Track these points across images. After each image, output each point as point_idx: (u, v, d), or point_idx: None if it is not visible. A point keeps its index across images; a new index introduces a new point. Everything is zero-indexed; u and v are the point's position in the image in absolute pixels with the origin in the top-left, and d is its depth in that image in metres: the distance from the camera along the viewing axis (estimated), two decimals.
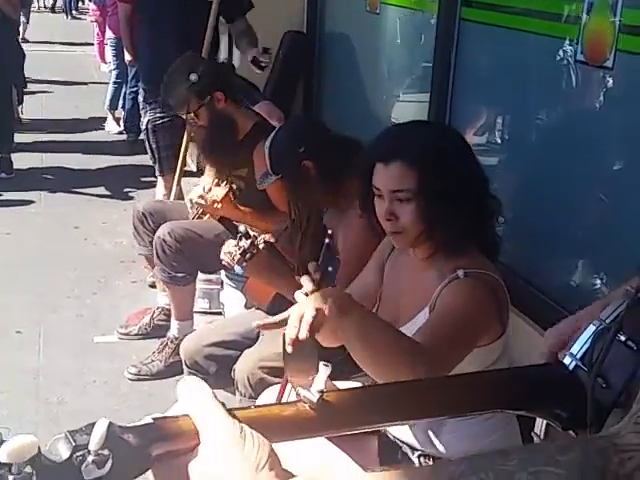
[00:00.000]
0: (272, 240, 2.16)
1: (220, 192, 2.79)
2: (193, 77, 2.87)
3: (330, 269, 1.92)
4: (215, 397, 0.65)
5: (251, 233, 2.10)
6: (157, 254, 2.98)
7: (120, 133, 6.85)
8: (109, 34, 6.77)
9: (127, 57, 5.16)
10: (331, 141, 2.30)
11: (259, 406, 0.72)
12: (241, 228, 2.11)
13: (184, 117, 3.00)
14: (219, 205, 2.78)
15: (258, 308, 2.46)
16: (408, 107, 3.57)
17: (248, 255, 2.06)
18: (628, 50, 2.06)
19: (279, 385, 1.94)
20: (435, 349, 1.41)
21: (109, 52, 6.92)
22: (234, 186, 2.94)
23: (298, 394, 0.73)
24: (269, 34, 4.22)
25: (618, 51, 2.08)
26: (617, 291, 1.01)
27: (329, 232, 1.95)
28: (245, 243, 2.08)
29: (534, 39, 2.51)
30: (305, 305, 1.31)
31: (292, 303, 1.41)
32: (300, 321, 1.28)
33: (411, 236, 1.64)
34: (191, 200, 2.91)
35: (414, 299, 1.67)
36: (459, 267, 1.58)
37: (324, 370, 0.74)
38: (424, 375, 1.32)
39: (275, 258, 2.19)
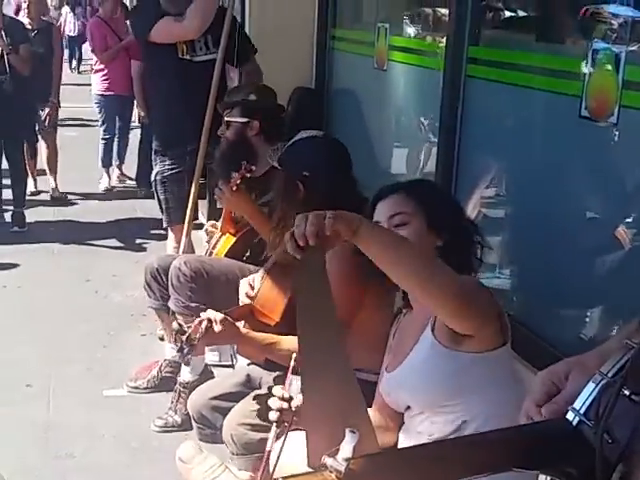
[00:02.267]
0: (216, 317, 2.12)
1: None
2: (252, 96, 3.15)
3: None
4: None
5: (185, 328, 2.08)
6: (172, 284, 3.01)
7: (107, 190, 6.85)
8: (94, 90, 6.81)
9: (141, 112, 5.28)
10: (338, 188, 2.29)
11: (286, 477, 0.71)
12: (174, 325, 2.11)
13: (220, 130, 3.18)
14: (234, 187, 2.87)
15: (256, 363, 2.49)
16: (415, 162, 3.62)
17: (186, 350, 2.06)
18: (632, 106, 2.10)
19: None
20: (460, 277, 1.56)
21: (95, 108, 6.93)
22: (252, 168, 2.99)
23: (324, 464, 0.72)
24: (278, 90, 4.29)
25: (622, 107, 2.11)
26: (610, 342, 1.03)
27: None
28: (180, 342, 2.08)
29: (539, 95, 2.56)
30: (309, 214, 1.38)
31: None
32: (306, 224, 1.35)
33: None
34: (206, 230, 2.97)
35: (417, 331, 1.75)
36: None
37: (351, 437, 0.73)
38: (457, 292, 1.48)
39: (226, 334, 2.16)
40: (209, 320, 2.08)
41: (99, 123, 6.96)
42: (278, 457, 1.56)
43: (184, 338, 2.05)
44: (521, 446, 0.85)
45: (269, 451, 1.69)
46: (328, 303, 1.29)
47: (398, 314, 1.94)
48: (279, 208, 2.33)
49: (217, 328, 2.06)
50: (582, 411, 0.85)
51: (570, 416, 0.86)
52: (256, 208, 3.00)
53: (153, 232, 5.36)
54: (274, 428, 1.70)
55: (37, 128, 6.21)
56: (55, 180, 6.50)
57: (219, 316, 2.09)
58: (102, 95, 6.68)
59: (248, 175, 2.97)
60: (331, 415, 1.08)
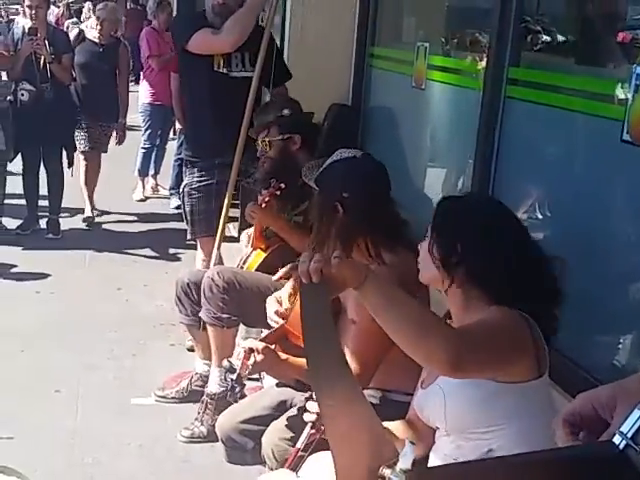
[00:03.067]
0: (258, 347, 2.15)
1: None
2: (286, 111, 3.15)
3: None
4: None
5: (235, 366, 2.12)
6: (204, 294, 3.02)
7: (141, 200, 6.89)
8: (142, 98, 6.87)
9: (178, 125, 5.33)
10: (378, 210, 2.26)
11: None
12: (224, 364, 2.15)
13: (257, 143, 3.20)
14: (264, 203, 2.96)
15: (288, 385, 2.48)
16: (451, 182, 3.61)
17: (237, 390, 2.09)
18: None
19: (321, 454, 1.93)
20: (469, 338, 1.50)
21: (139, 117, 7.01)
22: (282, 185, 3.05)
23: (382, 475, 0.72)
24: (315, 106, 4.31)
25: None
26: None
27: None
28: (231, 382, 2.10)
29: (579, 118, 2.53)
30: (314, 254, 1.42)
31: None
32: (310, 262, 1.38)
33: (425, 271, 1.77)
34: (247, 234, 3.08)
35: None
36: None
37: (410, 449, 0.72)
38: (457, 355, 1.42)
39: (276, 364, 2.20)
40: (250, 349, 2.13)
41: (142, 132, 7.04)
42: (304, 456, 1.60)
43: (234, 377, 2.09)
44: (567, 468, 0.84)
45: (298, 449, 1.71)
46: (331, 337, 1.35)
47: None
48: (317, 230, 2.28)
49: (259, 358, 2.12)
50: (629, 435, 0.84)
51: (617, 440, 0.85)
52: (286, 223, 3.03)
53: (185, 243, 5.39)
54: (308, 428, 1.73)
55: (86, 148, 6.10)
56: (91, 204, 6.27)
57: (260, 345, 2.15)
58: (150, 104, 6.75)
59: (278, 193, 3.02)
60: (349, 432, 1.09)
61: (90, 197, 6.29)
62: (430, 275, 1.76)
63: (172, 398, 3.42)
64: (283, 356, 2.18)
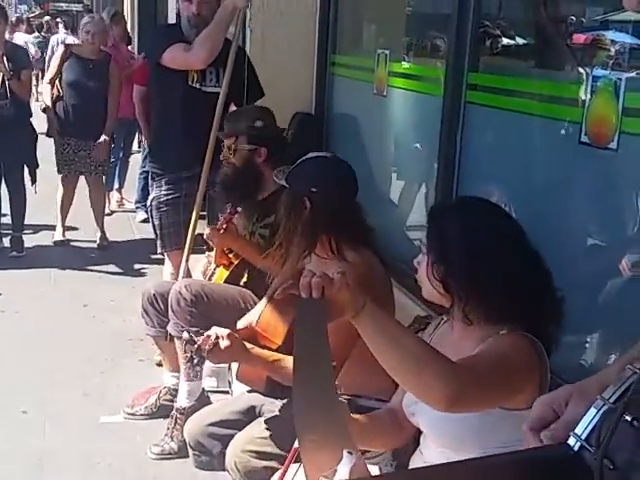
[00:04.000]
0: (223, 333, 2.13)
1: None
2: (259, 123, 3.14)
3: None
4: None
5: (195, 338, 2.09)
6: (172, 308, 2.99)
7: (107, 215, 6.57)
8: None
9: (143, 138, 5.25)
10: (344, 208, 2.29)
11: None
12: (184, 335, 2.11)
13: (222, 145, 3.17)
14: (223, 228, 2.96)
15: (257, 390, 2.46)
16: (414, 188, 3.63)
17: (196, 360, 2.05)
18: (632, 132, 2.10)
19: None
20: (470, 372, 1.43)
21: None
22: (238, 209, 3.08)
23: None
24: (278, 114, 4.31)
25: (622, 133, 2.12)
26: (610, 369, 1.02)
27: None
28: (190, 350, 2.07)
29: (538, 121, 2.56)
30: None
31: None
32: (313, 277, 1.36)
33: (425, 290, 1.69)
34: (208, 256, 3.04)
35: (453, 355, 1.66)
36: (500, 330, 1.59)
37: (347, 459, 0.72)
38: (453, 394, 1.37)
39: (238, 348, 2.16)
40: (216, 336, 2.10)
41: None
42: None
43: (194, 348, 2.05)
44: (523, 470, 0.84)
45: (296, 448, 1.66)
46: (325, 358, 1.32)
47: (427, 322, 1.89)
48: (284, 227, 2.31)
49: (224, 343, 2.07)
50: (583, 437, 0.85)
51: (571, 441, 0.86)
52: (245, 243, 3.04)
53: (151, 257, 5.34)
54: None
55: (82, 170, 5.84)
56: (102, 228, 6.05)
57: (225, 332, 2.11)
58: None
59: (235, 216, 3.02)
60: (324, 444, 1.08)
61: (100, 222, 6.08)
62: (431, 294, 1.69)
63: (141, 415, 3.38)
64: (249, 346, 2.16)
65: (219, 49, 3.49)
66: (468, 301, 1.60)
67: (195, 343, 2.07)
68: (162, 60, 3.53)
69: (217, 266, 3.21)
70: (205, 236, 3.11)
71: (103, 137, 5.71)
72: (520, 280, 1.60)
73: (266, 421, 2.29)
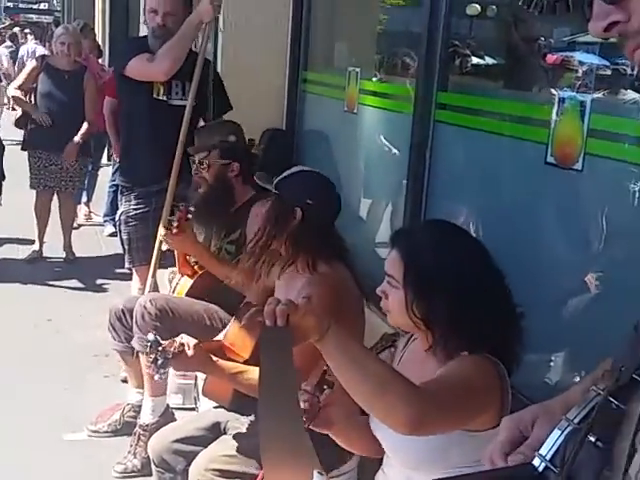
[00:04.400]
0: (190, 343, 2.12)
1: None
2: (232, 138, 3.16)
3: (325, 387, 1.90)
4: None
5: (161, 342, 2.08)
6: (137, 322, 2.96)
7: (74, 228, 6.46)
8: None
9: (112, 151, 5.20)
10: (332, 225, 2.36)
11: None
12: (149, 337, 2.10)
13: (192, 162, 3.16)
14: (174, 228, 2.93)
15: (222, 406, 2.44)
16: (384, 205, 3.64)
17: (159, 362, 2.04)
18: (597, 153, 2.13)
19: None
20: (432, 396, 1.43)
21: None
22: (191, 209, 3.04)
23: None
24: (250, 130, 4.31)
25: (587, 154, 2.15)
26: (575, 389, 1.03)
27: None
28: (155, 353, 2.06)
29: (506, 141, 2.59)
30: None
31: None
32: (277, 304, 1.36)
33: (395, 320, 1.69)
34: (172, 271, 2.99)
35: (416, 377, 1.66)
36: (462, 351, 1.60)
37: (319, 478, 0.72)
38: (416, 417, 1.37)
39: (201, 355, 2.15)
40: (182, 344, 2.10)
41: None
42: None
43: (159, 349, 2.03)
44: None
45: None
46: (291, 384, 1.32)
47: (393, 340, 1.89)
48: (264, 232, 2.31)
49: (190, 352, 2.07)
50: (548, 457, 0.85)
51: (536, 462, 0.86)
52: (202, 247, 3.03)
53: (118, 271, 5.29)
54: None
55: (52, 185, 5.76)
56: (69, 242, 5.98)
57: (192, 341, 2.11)
58: None
59: (188, 216, 3.00)
60: (289, 467, 1.07)
61: (65, 235, 5.99)
62: (402, 322, 1.68)
63: (105, 432, 3.33)
64: (214, 358, 2.15)
65: (182, 61, 3.47)
66: (446, 332, 1.61)
67: (160, 344, 2.06)
68: (126, 71, 3.51)
69: (181, 275, 3.19)
70: (160, 237, 3.09)
71: (76, 138, 5.60)
72: (488, 303, 1.62)
73: (234, 437, 2.28)
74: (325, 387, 1.45)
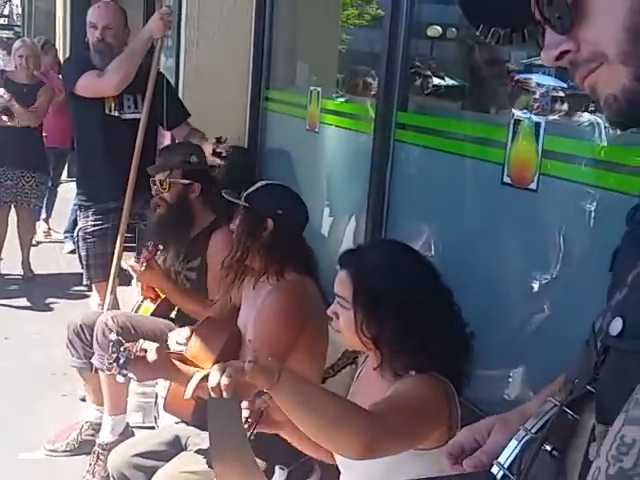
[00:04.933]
0: (151, 347, 2.12)
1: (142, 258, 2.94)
2: (194, 158, 3.15)
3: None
4: None
5: (124, 342, 2.07)
6: (97, 339, 2.94)
7: (33, 245, 6.30)
8: None
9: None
10: (300, 244, 2.39)
11: None
12: (112, 337, 2.09)
13: (152, 183, 3.12)
14: (143, 265, 2.89)
15: (184, 421, 2.44)
16: (345, 224, 3.67)
17: (122, 361, 2.03)
18: (551, 174, 2.19)
19: None
20: (382, 421, 1.45)
21: None
22: (160, 247, 3.00)
23: None
24: None
25: (541, 174, 2.20)
26: (532, 402, 1.06)
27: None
28: (117, 351, 2.05)
29: (464, 161, 2.64)
30: (226, 364, 1.40)
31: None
32: (222, 375, 1.35)
33: (347, 339, 1.72)
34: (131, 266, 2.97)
35: (367, 396, 1.67)
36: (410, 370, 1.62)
37: (279, 473, 0.74)
38: (366, 444, 1.40)
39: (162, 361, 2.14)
40: (144, 349, 2.09)
41: None
42: None
43: (122, 348, 2.01)
44: None
45: None
46: (243, 448, 1.34)
47: (354, 357, 1.91)
48: (238, 245, 2.34)
49: (151, 357, 2.05)
50: (506, 465, 0.87)
51: (495, 470, 0.88)
52: (171, 284, 2.99)
53: (77, 289, 5.24)
54: None
55: (9, 199, 5.66)
56: (27, 259, 5.90)
57: (154, 345, 2.10)
58: None
59: (157, 253, 2.99)
60: None
61: (23, 252, 5.89)
62: (352, 342, 1.71)
63: (63, 451, 3.29)
64: (176, 363, 2.14)
65: (132, 76, 3.48)
66: (394, 351, 1.63)
67: (122, 344, 2.05)
68: (76, 89, 3.51)
69: (144, 299, 3.17)
70: (128, 271, 3.05)
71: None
72: (436, 323, 1.64)
73: (195, 452, 2.27)
74: (265, 391, 1.46)
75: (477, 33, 0.85)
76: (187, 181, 3.08)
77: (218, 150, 3.59)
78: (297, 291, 2.24)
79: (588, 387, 0.75)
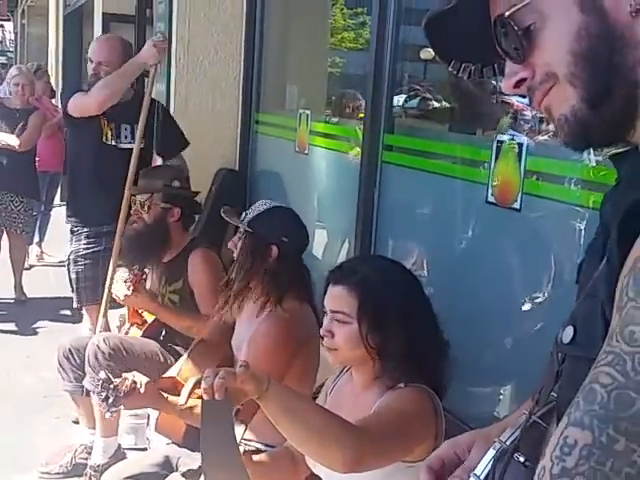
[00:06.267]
0: (142, 381, 2.12)
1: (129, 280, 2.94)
2: (176, 183, 3.14)
3: None
4: None
5: (112, 379, 2.10)
6: (89, 361, 2.94)
7: (25, 269, 6.30)
8: None
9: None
10: (302, 269, 2.39)
11: None
12: (101, 374, 2.12)
13: (133, 202, 3.16)
14: (130, 289, 2.88)
15: (175, 442, 2.46)
16: (334, 245, 3.71)
17: (111, 400, 2.05)
18: (533, 193, 2.24)
19: None
20: (369, 434, 1.48)
21: None
22: (146, 270, 3.02)
23: None
24: (203, 170, 4.36)
25: (524, 194, 2.25)
26: (512, 415, 1.09)
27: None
28: (106, 391, 2.07)
29: (450, 182, 2.69)
30: (219, 368, 1.43)
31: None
32: (215, 378, 1.39)
33: (344, 355, 1.72)
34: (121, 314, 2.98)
35: (350, 409, 1.70)
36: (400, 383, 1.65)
37: None
38: (352, 457, 1.43)
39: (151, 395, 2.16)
40: (134, 382, 2.10)
41: None
42: None
43: (111, 387, 2.03)
44: None
45: None
46: (234, 452, 1.36)
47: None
48: (240, 271, 2.33)
49: (142, 390, 2.08)
50: (482, 477, 0.90)
51: None
52: (156, 305, 3.01)
53: (70, 312, 5.25)
54: None
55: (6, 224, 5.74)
56: (20, 283, 5.93)
57: (144, 379, 2.12)
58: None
59: (144, 277, 3.01)
60: None
61: (15, 275, 5.92)
62: (351, 356, 1.72)
63: (56, 474, 3.28)
64: (165, 395, 2.16)
65: (118, 96, 3.50)
66: (398, 359, 1.65)
67: (112, 382, 2.07)
68: (68, 109, 3.56)
69: (131, 325, 3.19)
70: (114, 295, 3.06)
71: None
72: (428, 331, 1.70)
73: (184, 474, 2.28)
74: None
75: (449, 69, 0.89)
76: (167, 205, 3.09)
77: None
78: (294, 318, 2.24)
79: (552, 395, 0.79)
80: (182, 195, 3.17)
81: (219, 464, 1.42)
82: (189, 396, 1.54)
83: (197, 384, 1.45)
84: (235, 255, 2.38)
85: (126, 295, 2.95)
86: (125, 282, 2.98)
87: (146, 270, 3.06)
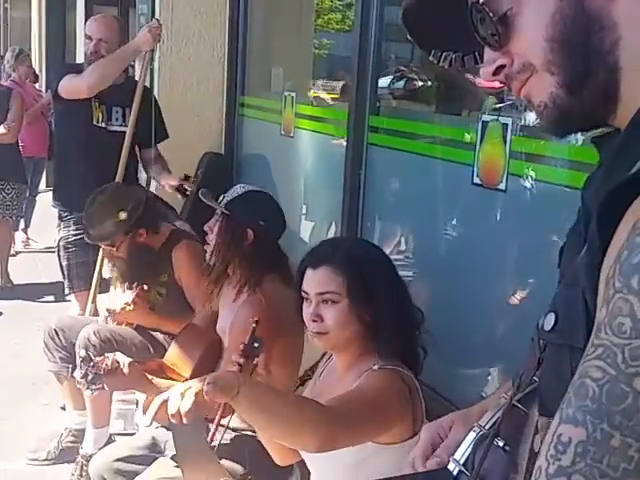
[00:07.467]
0: (124, 361, 2.12)
1: (129, 296, 2.86)
2: (123, 215, 2.93)
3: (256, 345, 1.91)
4: None
5: (92, 357, 2.08)
6: (79, 354, 2.91)
7: (12, 255, 6.31)
8: None
9: None
10: (278, 254, 2.40)
11: None
12: (81, 353, 2.11)
13: (103, 250, 3.08)
14: (130, 307, 2.82)
15: (163, 425, 2.46)
16: (321, 226, 3.70)
17: (90, 377, 2.04)
18: (518, 174, 2.23)
19: None
20: (339, 414, 1.50)
21: None
22: (145, 287, 2.98)
23: None
24: (188, 155, 4.34)
25: (510, 175, 2.25)
26: (492, 398, 1.09)
27: (255, 319, 1.97)
28: (86, 367, 2.07)
29: (435, 163, 2.69)
30: (185, 386, 1.45)
31: None
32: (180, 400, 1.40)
33: (335, 337, 1.71)
34: (108, 310, 2.93)
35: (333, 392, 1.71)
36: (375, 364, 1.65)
37: None
38: (323, 437, 1.46)
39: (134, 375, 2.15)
40: (117, 362, 2.09)
41: None
42: None
43: (91, 364, 2.02)
44: None
45: None
46: (211, 459, 1.37)
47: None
48: (218, 254, 2.33)
49: (125, 370, 2.07)
50: (462, 461, 0.89)
51: (451, 466, 0.90)
52: (154, 317, 2.95)
53: (57, 298, 5.23)
54: None
55: None
56: (6, 270, 5.87)
57: (127, 360, 2.11)
58: None
59: (145, 288, 2.94)
60: None
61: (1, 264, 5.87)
62: (342, 336, 1.70)
63: (44, 460, 3.28)
64: (149, 377, 2.15)
65: (110, 80, 3.47)
66: (391, 330, 1.67)
67: (91, 360, 2.06)
68: (59, 90, 3.52)
69: (117, 324, 3.15)
70: (107, 314, 2.96)
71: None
72: (410, 306, 1.73)
73: (171, 458, 2.28)
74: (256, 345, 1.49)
75: (430, 58, 0.88)
76: (130, 234, 2.96)
77: (185, 186, 3.55)
78: (272, 302, 2.24)
79: (533, 381, 0.79)
80: (135, 217, 2.97)
81: (198, 473, 1.43)
82: (154, 417, 1.53)
83: (164, 403, 1.44)
84: (210, 238, 2.37)
85: (125, 312, 2.85)
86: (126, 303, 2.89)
87: (145, 287, 2.96)
